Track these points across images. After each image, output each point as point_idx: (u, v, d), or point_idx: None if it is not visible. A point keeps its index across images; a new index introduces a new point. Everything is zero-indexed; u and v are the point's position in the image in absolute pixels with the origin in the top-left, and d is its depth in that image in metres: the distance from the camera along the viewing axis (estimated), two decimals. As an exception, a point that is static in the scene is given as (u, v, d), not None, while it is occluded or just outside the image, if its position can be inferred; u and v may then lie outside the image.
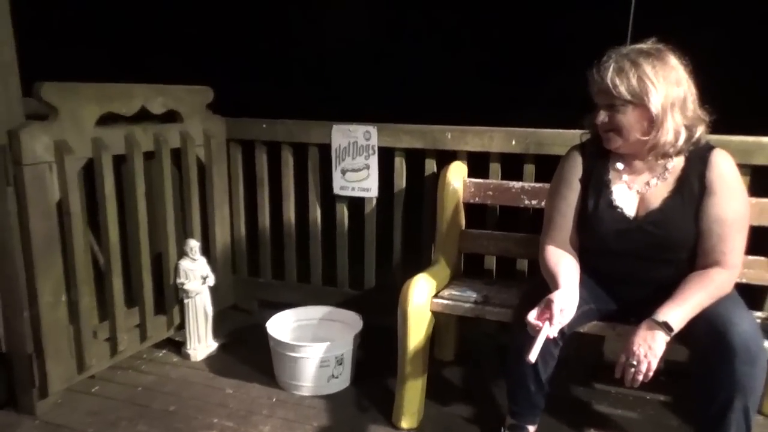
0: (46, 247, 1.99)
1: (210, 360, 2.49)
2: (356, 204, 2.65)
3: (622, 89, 1.54)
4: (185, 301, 2.47)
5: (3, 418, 2.04)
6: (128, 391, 2.23)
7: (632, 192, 1.68)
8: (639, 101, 1.54)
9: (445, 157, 2.41)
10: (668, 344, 1.47)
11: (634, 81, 1.53)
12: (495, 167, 2.39)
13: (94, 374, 2.26)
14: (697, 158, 1.62)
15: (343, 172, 2.61)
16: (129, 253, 2.39)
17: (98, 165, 2.13)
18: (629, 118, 1.57)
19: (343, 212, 2.69)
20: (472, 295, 2.01)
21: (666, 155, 1.61)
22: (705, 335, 1.49)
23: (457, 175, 2.26)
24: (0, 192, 1.91)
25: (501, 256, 2.36)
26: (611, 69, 1.55)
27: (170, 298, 2.52)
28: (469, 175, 2.33)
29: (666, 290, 1.56)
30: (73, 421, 2.03)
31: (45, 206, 1.98)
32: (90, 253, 2.33)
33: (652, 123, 1.55)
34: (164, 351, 2.54)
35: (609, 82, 1.55)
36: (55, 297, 2.04)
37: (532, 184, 2.22)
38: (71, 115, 2.03)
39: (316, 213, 2.73)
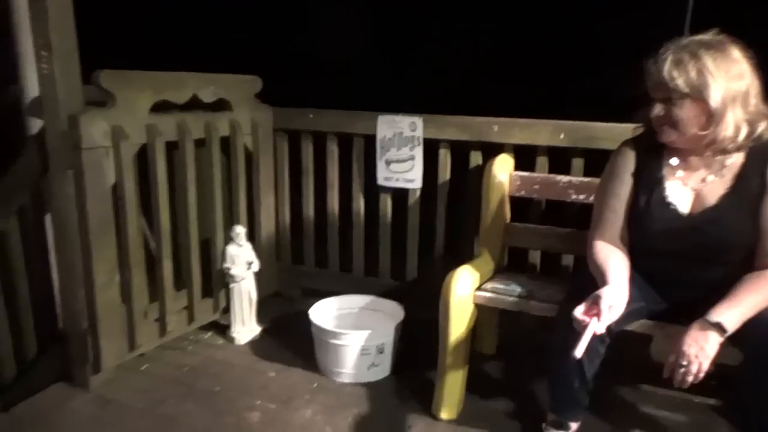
0: (102, 230, 2.07)
1: (253, 344, 2.55)
2: (400, 195, 2.65)
3: (680, 82, 1.49)
4: (231, 285, 2.53)
5: (59, 390, 2.14)
6: (175, 370, 2.31)
7: (687, 189, 1.63)
8: (697, 95, 1.49)
9: (491, 150, 2.39)
10: (721, 346, 1.42)
11: (693, 74, 1.48)
12: (542, 161, 2.35)
13: (143, 353, 2.35)
14: (758, 155, 1.55)
15: (388, 162, 2.62)
16: (178, 237, 2.46)
17: (152, 151, 2.19)
18: (687, 112, 1.52)
19: (387, 203, 2.70)
20: (516, 289, 1.99)
21: (725, 151, 1.56)
22: (760, 339, 1.43)
23: (503, 167, 2.24)
24: (60, 175, 1.99)
25: (546, 251, 2.33)
26: (669, 61, 1.50)
27: (217, 282, 2.58)
28: (515, 169, 2.30)
29: (718, 292, 1.51)
30: (124, 396, 2.11)
31: (101, 190, 2.05)
32: (142, 236, 2.41)
33: (711, 118, 1.50)
34: (210, 333, 2.61)
35: (666, 74, 1.50)
36: (109, 277, 2.12)
37: (581, 179, 2.18)
38: (127, 102, 2.10)
39: (360, 203, 2.75)
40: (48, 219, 2.16)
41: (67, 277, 2.10)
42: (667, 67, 1.50)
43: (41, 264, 2.23)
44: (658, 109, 1.56)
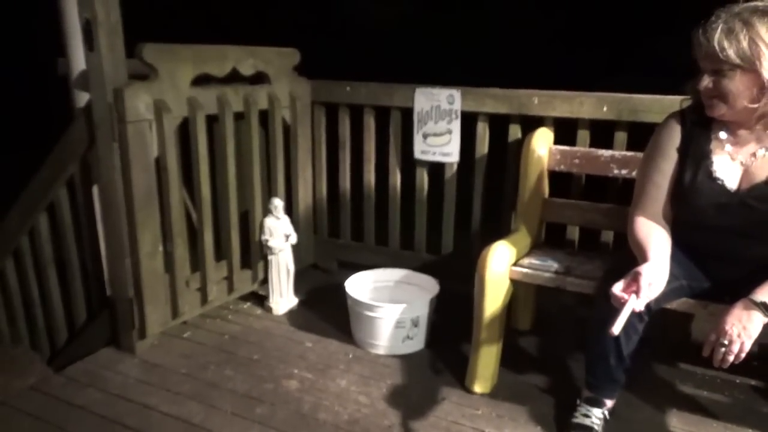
0: (146, 201, 2.13)
1: (291, 314, 2.60)
2: (436, 169, 2.64)
3: (731, 53, 1.42)
4: (269, 257, 2.58)
5: (108, 354, 2.24)
6: (216, 338, 2.38)
7: (735, 164, 1.57)
8: (749, 66, 1.42)
9: (531, 123, 2.34)
10: (765, 326, 1.38)
11: (744, 43, 1.41)
12: (583, 134, 2.30)
13: (186, 320, 2.43)
14: (813, 129, 1.48)
15: (425, 136, 2.60)
16: (218, 209, 2.52)
17: (193, 124, 2.23)
18: (737, 84, 1.45)
19: (423, 177, 2.69)
20: (553, 265, 1.97)
21: None
22: (808, 320, 1.39)
23: (542, 141, 2.20)
24: (107, 147, 2.05)
25: (585, 227, 2.29)
26: (719, 30, 1.43)
27: (255, 253, 2.64)
28: (555, 143, 2.26)
29: (765, 271, 1.46)
30: (168, 361, 2.20)
31: (145, 162, 2.11)
32: (184, 208, 2.47)
33: (763, 90, 1.43)
34: (249, 303, 2.68)
35: (716, 44, 1.43)
36: (153, 247, 2.19)
37: (623, 153, 2.12)
38: (169, 76, 2.13)
39: (396, 177, 2.75)
40: (96, 190, 2.24)
41: (114, 246, 2.18)
42: (717, 36, 1.43)
43: (90, 233, 2.32)
44: (706, 82, 1.49)
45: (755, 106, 1.46)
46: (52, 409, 1.93)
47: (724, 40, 1.42)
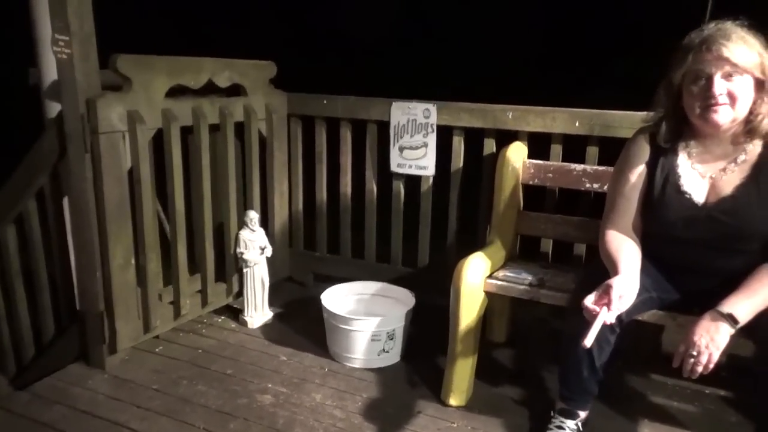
0: (118, 213, 2.10)
1: (266, 328, 2.58)
2: (413, 182, 2.66)
3: (748, 57, 1.46)
4: (244, 270, 2.56)
5: (76, 370, 2.19)
6: (189, 352, 2.34)
7: (702, 178, 1.61)
8: (756, 71, 1.48)
9: (505, 138, 2.38)
10: (732, 337, 1.42)
11: (756, 49, 1.47)
12: (556, 149, 2.34)
13: (158, 335, 2.39)
14: (776, 145, 1.53)
15: (401, 149, 2.61)
16: (193, 221, 2.49)
17: (167, 136, 2.21)
18: (747, 88, 1.49)
19: (399, 190, 2.70)
20: (527, 278, 1.99)
21: (751, 133, 1.54)
22: (773, 330, 1.43)
23: (516, 155, 2.23)
24: (78, 158, 2.02)
25: (558, 240, 2.33)
26: (734, 36, 1.47)
27: (230, 266, 2.61)
28: (529, 157, 2.29)
29: (734, 282, 1.50)
30: (139, 377, 2.15)
31: (118, 174, 2.08)
32: (157, 220, 2.43)
33: (760, 94, 1.50)
34: (223, 317, 2.65)
35: (735, 49, 1.45)
36: (125, 260, 2.15)
37: (595, 167, 2.16)
38: (144, 87, 2.11)
39: (372, 190, 2.75)
40: (66, 201, 2.19)
41: (84, 259, 2.14)
42: (734, 42, 1.46)
43: (60, 246, 2.27)
44: (719, 86, 1.48)
45: (748, 113, 1.51)
46: (16, 427, 1.87)
47: (742, 46, 1.46)
